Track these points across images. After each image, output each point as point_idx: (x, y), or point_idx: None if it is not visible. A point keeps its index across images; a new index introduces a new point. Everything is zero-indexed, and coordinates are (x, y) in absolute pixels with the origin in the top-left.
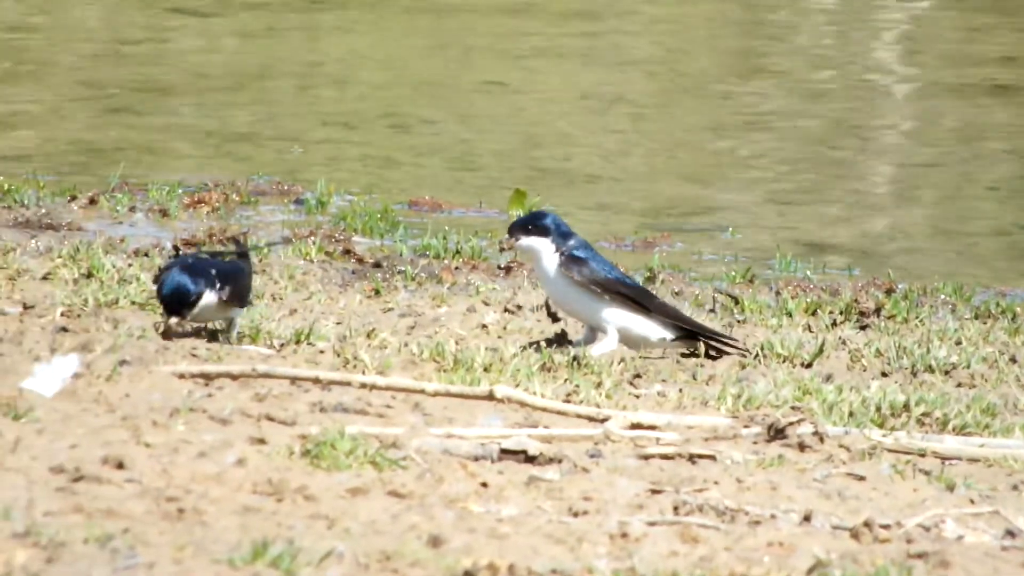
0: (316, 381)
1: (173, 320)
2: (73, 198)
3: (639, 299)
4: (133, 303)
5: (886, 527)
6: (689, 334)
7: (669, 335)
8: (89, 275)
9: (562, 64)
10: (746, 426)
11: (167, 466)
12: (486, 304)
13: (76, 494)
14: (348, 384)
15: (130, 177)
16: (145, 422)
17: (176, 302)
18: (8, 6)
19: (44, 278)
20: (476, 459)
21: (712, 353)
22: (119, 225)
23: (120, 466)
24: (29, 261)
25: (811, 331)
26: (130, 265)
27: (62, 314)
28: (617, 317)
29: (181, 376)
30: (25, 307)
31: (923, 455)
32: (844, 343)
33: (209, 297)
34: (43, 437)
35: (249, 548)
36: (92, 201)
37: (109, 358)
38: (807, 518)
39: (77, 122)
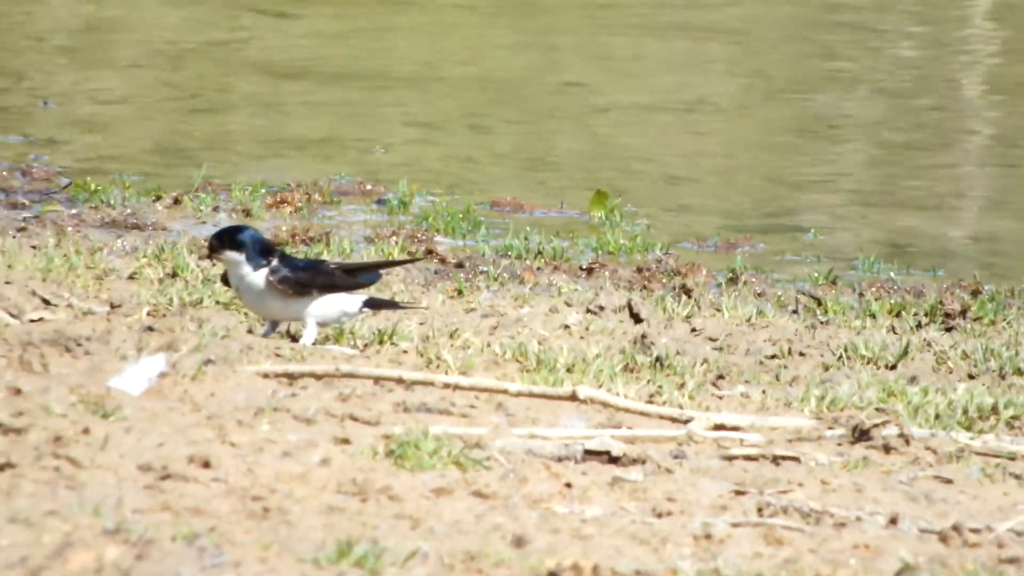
0: (399, 381)
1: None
2: (158, 198)
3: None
4: (217, 303)
5: (976, 531)
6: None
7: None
8: (174, 275)
9: (643, 65)
10: (830, 428)
11: (252, 465)
12: (568, 305)
13: (164, 492)
14: (431, 384)
15: (213, 177)
16: (230, 421)
17: (224, 234)
18: (89, 9)
19: (130, 277)
20: (559, 460)
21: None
22: (203, 225)
23: (206, 465)
24: (115, 261)
25: (895, 333)
26: (214, 265)
27: (148, 313)
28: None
29: (265, 376)
30: (112, 306)
31: (1013, 459)
32: (929, 345)
33: (236, 261)
34: (131, 435)
35: (334, 548)
36: (176, 201)
37: (194, 357)
38: (893, 521)
39: (161, 123)
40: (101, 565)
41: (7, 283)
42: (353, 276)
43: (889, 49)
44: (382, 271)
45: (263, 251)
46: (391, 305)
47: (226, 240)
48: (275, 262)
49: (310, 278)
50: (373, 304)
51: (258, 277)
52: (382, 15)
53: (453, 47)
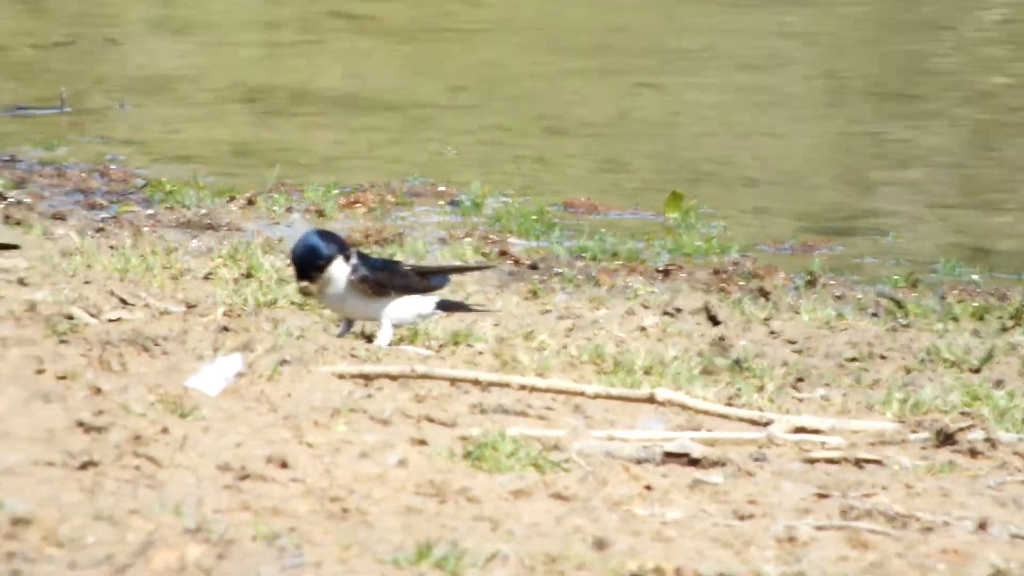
0: (475, 382)
1: (303, 284)
2: (232, 199)
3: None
4: (292, 303)
5: None
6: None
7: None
8: (248, 275)
9: (718, 66)
10: (913, 431)
11: (329, 466)
12: (645, 307)
13: (243, 492)
14: (507, 386)
15: (287, 178)
16: (307, 422)
17: (304, 263)
18: (163, 11)
19: (205, 278)
20: (639, 462)
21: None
22: (276, 225)
23: (284, 465)
24: (191, 261)
25: (979, 336)
26: (288, 265)
27: (224, 313)
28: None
29: (341, 376)
30: (188, 306)
31: None
32: (1014, 349)
33: (339, 266)
34: (209, 435)
35: (413, 549)
36: (250, 202)
37: (270, 358)
38: (983, 526)
39: (235, 124)
40: (184, 564)
41: (86, 283)
42: (426, 279)
43: (971, 46)
44: (452, 276)
45: (346, 250)
46: (463, 307)
47: (328, 254)
48: (355, 260)
49: (388, 278)
50: (446, 306)
51: (340, 276)
52: (456, 16)
53: (521, 48)
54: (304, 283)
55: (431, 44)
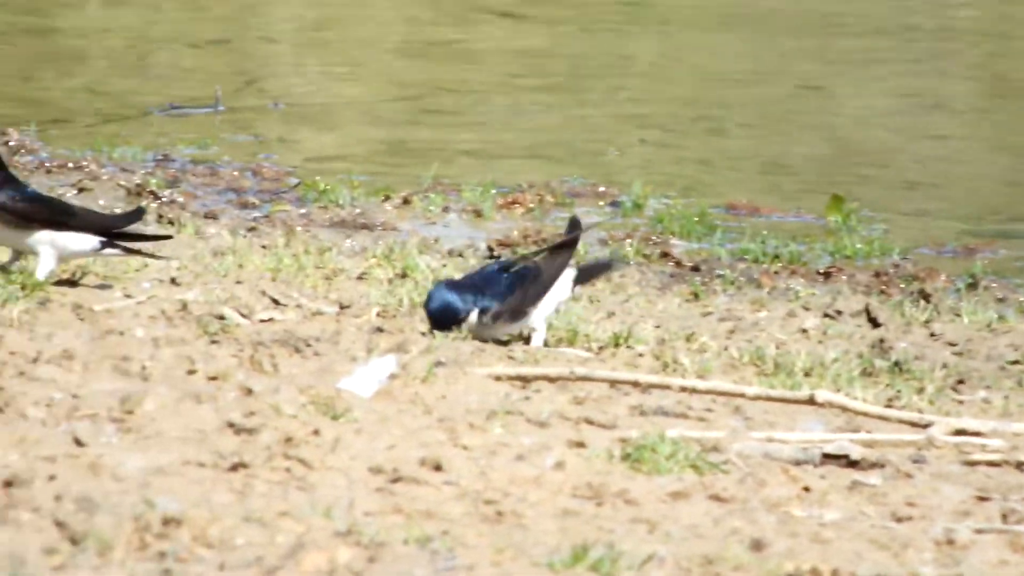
0: (635, 384)
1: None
2: (387, 198)
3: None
4: None
5: None
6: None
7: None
8: (404, 275)
9: (880, 68)
10: None
11: (485, 468)
12: (806, 309)
13: (395, 495)
14: (667, 387)
15: (443, 177)
16: (462, 424)
17: (441, 320)
18: (318, 10)
19: (359, 278)
20: (797, 463)
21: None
22: (432, 225)
23: (438, 468)
24: (345, 261)
25: None
26: (444, 265)
27: (378, 314)
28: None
29: (497, 378)
30: (341, 307)
31: None
32: None
33: (474, 318)
34: (361, 437)
35: (569, 552)
36: (406, 201)
37: (425, 359)
38: None
39: (390, 122)
40: (334, 567)
41: (238, 283)
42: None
43: None
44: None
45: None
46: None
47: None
48: (485, 302)
49: (519, 301)
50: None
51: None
52: (613, 15)
53: (684, 50)
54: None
55: (588, 44)
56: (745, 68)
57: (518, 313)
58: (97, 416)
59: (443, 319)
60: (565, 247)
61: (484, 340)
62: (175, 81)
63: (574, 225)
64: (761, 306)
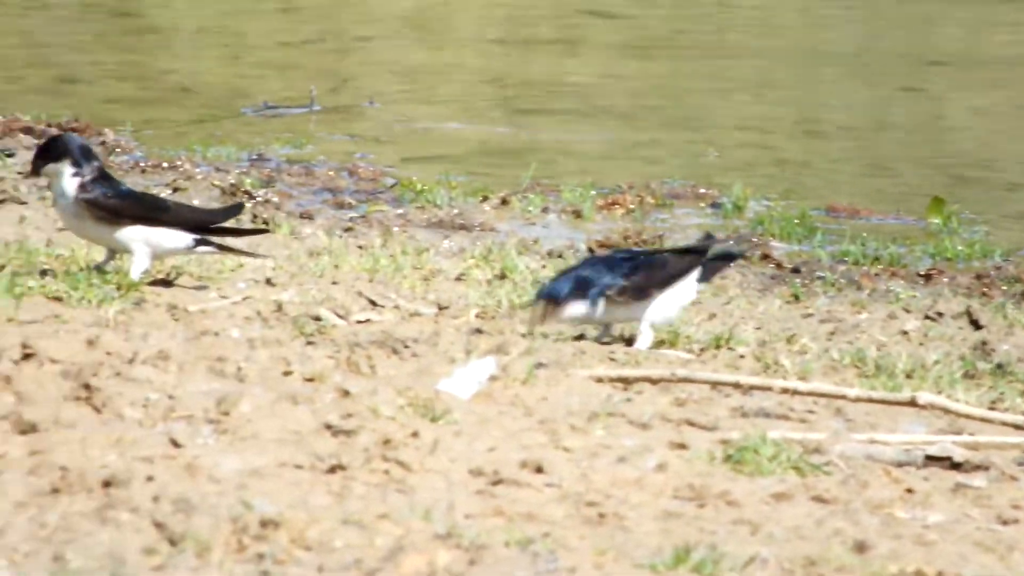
0: (736, 386)
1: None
2: (485, 198)
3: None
4: None
5: None
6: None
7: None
8: (502, 276)
9: (981, 70)
10: None
11: (586, 470)
12: (907, 311)
13: (495, 497)
14: (769, 389)
15: (542, 178)
16: (563, 426)
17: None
18: (413, 7)
19: (458, 279)
20: (900, 465)
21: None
22: (532, 226)
23: (539, 470)
24: (443, 261)
25: None
26: (543, 266)
27: (476, 315)
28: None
29: (599, 380)
30: (440, 308)
31: None
32: None
33: (576, 308)
34: (461, 439)
35: (671, 553)
36: (504, 202)
37: (525, 361)
38: None
39: (488, 123)
40: (434, 570)
41: (334, 284)
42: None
43: None
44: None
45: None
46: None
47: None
48: (609, 279)
49: (645, 279)
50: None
51: (599, 304)
52: (711, 16)
53: (783, 51)
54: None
55: (687, 46)
56: (845, 70)
57: (642, 292)
58: (193, 417)
59: (550, 300)
60: (695, 251)
61: (599, 326)
62: (269, 80)
63: (708, 237)
64: (862, 308)
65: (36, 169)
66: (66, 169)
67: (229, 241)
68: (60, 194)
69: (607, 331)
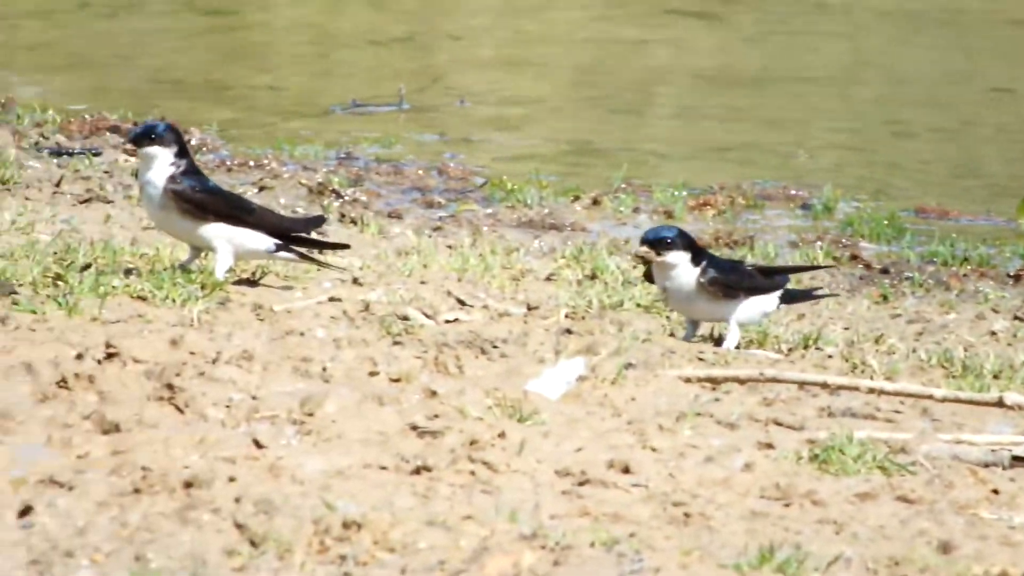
0: (824, 386)
1: (642, 248)
2: (576, 198)
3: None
4: (638, 305)
5: None
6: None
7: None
8: (593, 276)
9: None
10: None
11: (673, 471)
12: (995, 312)
13: (582, 497)
14: (856, 389)
15: (633, 178)
16: (651, 426)
17: (653, 238)
18: (503, 7)
19: (548, 279)
20: (986, 466)
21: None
22: (623, 226)
23: (626, 470)
24: (532, 261)
25: None
26: (634, 267)
27: (566, 316)
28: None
29: (687, 380)
30: (529, 308)
31: None
32: None
33: (685, 265)
34: (548, 440)
35: (756, 553)
36: (595, 202)
37: (614, 361)
38: None
39: (578, 122)
40: (518, 571)
41: (422, 283)
42: (771, 278)
43: None
44: (791, 275)
45: (698, 252)
46: (805, 296)
47: (676, 241)
48: (705, 263)
49: (738, 280)
50: (789, 299)
51: (689, 278)
52: (803, 19)
53: (872, 52)
54: (644, 247)
55: (777, 45)
56: (935, 71)
57: (732, 290)
58: (277, 418)
59: (652, 237)
60: (786, 270)
61: (684, 312)
62: (358, 79)
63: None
64: (950, 308)
65: (139, 145)
66: (164, 155)
67: (309, 250)
68: (148, 182)
69: (694, 330)
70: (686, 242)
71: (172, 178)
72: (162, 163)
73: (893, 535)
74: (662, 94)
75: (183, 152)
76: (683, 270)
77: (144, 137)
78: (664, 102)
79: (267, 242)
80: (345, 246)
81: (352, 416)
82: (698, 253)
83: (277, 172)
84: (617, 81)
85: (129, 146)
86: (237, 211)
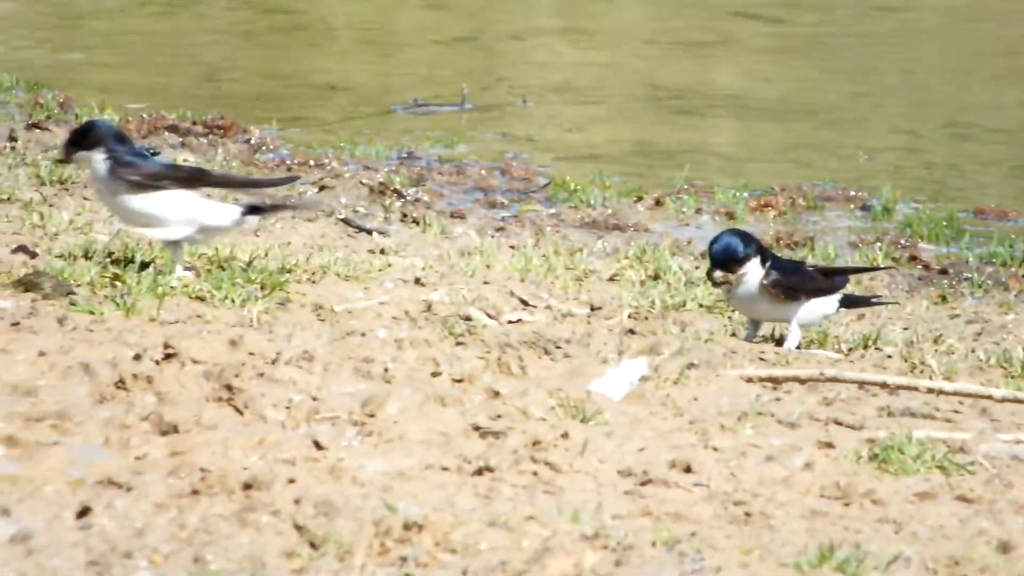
0: (883, 386)
1: (717, 273)
2: (639, 199)
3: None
4: (700, 306)
5: None
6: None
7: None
8: (656, 277)
9: None
10: None
11: (734, 470)
12: None
13: (644, 497)
14: (915, 389)
15: (695, 179)
16: (713, 426)
17: (725, 258)
18: (568, 7)
19: (611, 279)
20: None
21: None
22: (685, 227)
23: (688, 470)
24: (595, 262)
25: None
26: (697, 267)
27: (629, 316)
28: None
29: (749, 380)
30: (592, 308)
31: None
32: None
33: (754, 268)
34: (611, 440)
35: (815, 552)
36: (658, 202)
37: (677, 361)
38: None
39: (641, 123)
40: (580, 571)
41: (485, 283)
42: (831, 279)
43: None
44: (851, 276)
45: (763, 253)
46: (865, 302)
47: (748, 253)
48: (768, 264)
49: (799, 281)
50: (848, 303)
51: (754, 279)
52: (861, 21)
53: (931, 54)
54: (719, 272)
55: (836, 48)
56: (994, 71)
57: (793, 293)
58: (337, 419)
59: (724, 253)
60: (847, 271)
61: (746, 312)
62: (419, 78)
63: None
64: (1009, 309)
65: (68, 156)
66: (98, 156)
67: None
68: (97, 178)
69: (755, 331)
70: (755, 249)
71: (115, 166)
72: (98, 162)
73: (952, 535)
74: (723, 95)
75: (121, 141)
76: (752, 275)
77: (71, 146)
78: (725, 103)
79: (233, 210)
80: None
81: (414, 417)
82: (763, 254)
83: (338, 171)
84: (679, 82)
85: (62, 163)
86: (192, 177)
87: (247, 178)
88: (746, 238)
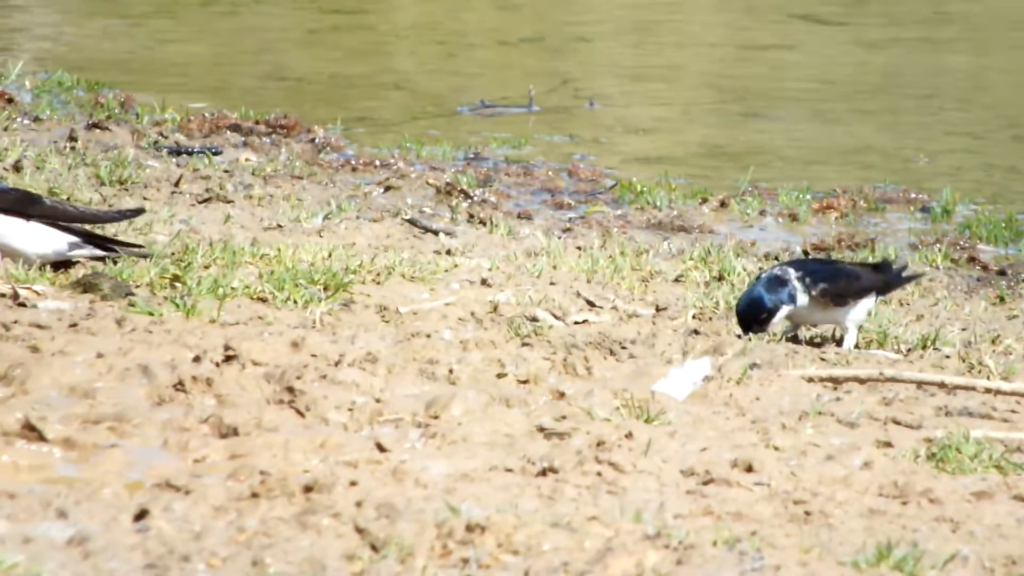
0: (942, 385)
1: (754, 336)
2: (704, 200)
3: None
4: None
5: None
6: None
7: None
8: (720, 278)
9: None
10: None
11: (795, 469)
12: None
13: (705, 497)
14: (973, 389)
15: (759, 181)
16: (774, 425)
17: (749, 318)
18: (634, 12)
19: (676, 280)
20: None
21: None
22: (749, 228)
23: (749, 469)
24: (661, 263)
25: None
26: (760, 269)
27: (694, 316)
28: None
29: (809, 380)
30: (657, 309)
31: None
32: None
33: (785, 311)
34: (674, 440)
35: (873, 551)
36: (723, 204)
37: (739, 361)
38: None
39: (707, 125)
40: (641, 570)
41: (552, 284)
42: (878, 272)
43: None
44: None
45: (785, 282)
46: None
47: (772, 309)
48: (803, 275)
49: (846, 286)
50: (884, 289)
51: (801, 296)
52: (926, 26)
53: (991, 58)
54: (754, 335)
55: (903, 50)
56: None
57: (841, 298)
58: (401, 421)
59: (748, 316)
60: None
61: (798, 325)
62: (486, 79)
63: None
64: None
65: None
66: None
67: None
68: None
69: (794, 328)
70: (786, 295)
71: None
72: None
73: (1010, 534)
74: (787, 98)
75: None
76: (791, 304)
77: None
78: (789, 106)
79: (61, 240)
80: (140, 246)
81: (478, 418)
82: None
83: (404, 172)
84: (744, 84)
85: None
86: (19, 206)
87: (84, 210)
88: (771, 285)
